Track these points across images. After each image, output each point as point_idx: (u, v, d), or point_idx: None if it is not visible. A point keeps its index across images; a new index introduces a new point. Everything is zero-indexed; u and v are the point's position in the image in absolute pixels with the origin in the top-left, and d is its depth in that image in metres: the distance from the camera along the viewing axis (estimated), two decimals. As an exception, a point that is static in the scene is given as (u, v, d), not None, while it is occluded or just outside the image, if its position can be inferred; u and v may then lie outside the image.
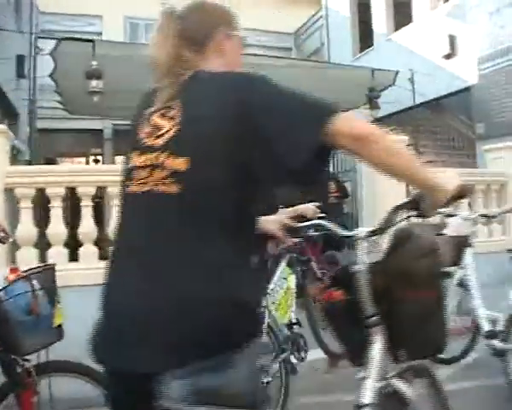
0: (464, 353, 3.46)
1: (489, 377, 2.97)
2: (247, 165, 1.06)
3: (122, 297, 1.05)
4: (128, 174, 1.13)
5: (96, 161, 13.05)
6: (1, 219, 3.52)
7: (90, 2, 12.45)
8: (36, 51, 7.94)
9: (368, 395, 1.29)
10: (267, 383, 2.56)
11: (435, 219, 3.78)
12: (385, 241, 1.43)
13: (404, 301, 1.37)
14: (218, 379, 0.97)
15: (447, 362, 3.35)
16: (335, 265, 4.42)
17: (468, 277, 3.25)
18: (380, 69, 7.85)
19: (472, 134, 10.06)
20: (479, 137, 9.22)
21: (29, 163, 7.89)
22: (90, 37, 7.55)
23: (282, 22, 14.47)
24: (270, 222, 1.66)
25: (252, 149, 1.04)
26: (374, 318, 1.36)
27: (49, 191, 4.06)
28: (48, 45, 6.66)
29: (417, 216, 1.27)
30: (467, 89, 9.54)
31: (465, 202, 5.72)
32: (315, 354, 3.50)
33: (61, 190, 4.08)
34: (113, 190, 3.89)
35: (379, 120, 9.81)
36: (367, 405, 1.30)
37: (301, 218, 2.56)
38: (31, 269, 2.02)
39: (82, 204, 4.14)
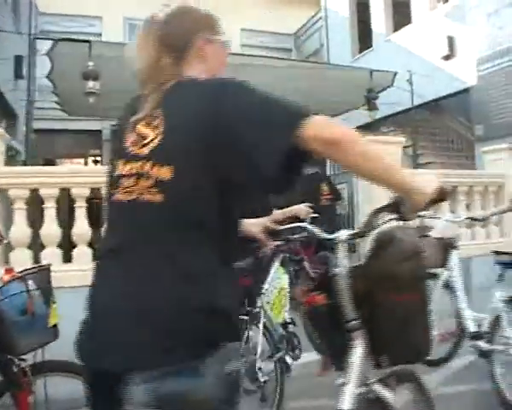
0: (451, 353, 3.47)
1: (483, 381, 2.95)
2: (227, 173, 1.07)
3: (102, 298, 1.08)
4: (114, 182, 1.15)
5: (96, 162, 13.06)
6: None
7: (89, 3, 12.48)
8: (33, 52, 7.94)
9: (347, 401, 1.28)
10: (264, 382, 2.57)
11: (419, 222, 3.81)
12: (367, 244, 1.42)
13: (387, 305, 1.35)
14: (184, 385, 0.97)
15: (434, 364, 3.36)
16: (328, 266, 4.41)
17: (454, 278, 3.28)
18: (378, 70, 7.85)
19: (471, 135, 10.04)
20: (478, 139, 9.20)
21: (25, 164, 7.90)
22: (89, 38, 7.54)
23: (282, 23, 14.50)
24: (253, 225, 1.65)
25: (229, 160, 1.05)
26: (354, 322, 1.35)
27: (42, 192, 4.05)
28: (46, 46, 6.65)
29: (398, 219, 1.25)
30: (466, 90, 9.53)
31: (462, 204, 5.73)
32: (308, 357, 3.48)
33: (55, 191, 4.07)
34: (107, 192, 3.87)
35: (378, 121, 9.83)
36: (345, 411, 1.28)
37: (295, 218, 2.60)
38: (26, 270, 2.05)
39: (76, 205, 4.13)
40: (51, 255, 3.89)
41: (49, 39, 7.10)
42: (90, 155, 13.47)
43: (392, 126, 11.40)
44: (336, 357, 1.44)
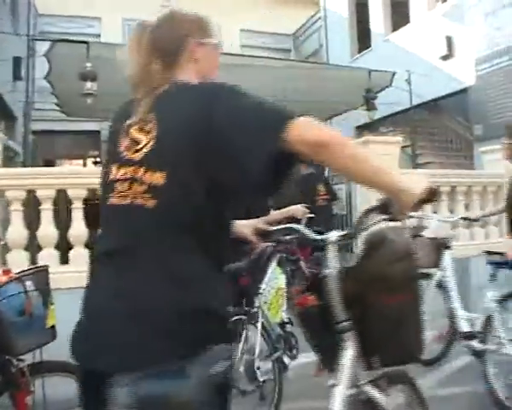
0: (444, 353, 3.47)
1: (478, 383, 2.94)
2: (219, 178, 1.07)
3: (96, 300, 1.10)
4: (109, 186, 1.15)
5: (96, 163, 13.06)
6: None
7: (88, 4, 12.48)
8: (31, 53, 7.94)
9: (337, 403, 1.27)
10: (263, 382, 2.57)
11: (416, 222, 3.81)
12: (358, 245, 1.41)
13: (379, 306, 1.34)
14: (165, 386, 0.97)
15: (427, 364, 3.35)
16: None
17: (447, 278, 3.29)
18: (377, 70, 7.85)
19: (469, 135, 10.03)
20: (476, 139, 9.19)
21: (23, 165, 7.90)
22: (88, 39, 7.55)
23: (281, 24, 14.51)
24: (244, 226, 1.65)
25: (221, 164, 1.06)
26: (345, 323, 1.34)
27: (39, 193, 4.05)
28: (45, 47, 6.65)
29: (387, 220, 1.25)
30: (464, 90, 9.52)
31: (461, 204, 5.72)
32: (306, 358, 3.47)
33: (52, 193, 4.07)
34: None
35: (377, 121, 9.83)
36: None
37: (292, 219, 2.60)
38: (24, 271, 2.05)
39: (73, 206, 4.13)
40: (48, 257, 3.89)
41: (47, 40, 7.11)
42: (89, 156, 13.48)
43: (391, 126, 11.40)
44: (327, 358, 1.43)
